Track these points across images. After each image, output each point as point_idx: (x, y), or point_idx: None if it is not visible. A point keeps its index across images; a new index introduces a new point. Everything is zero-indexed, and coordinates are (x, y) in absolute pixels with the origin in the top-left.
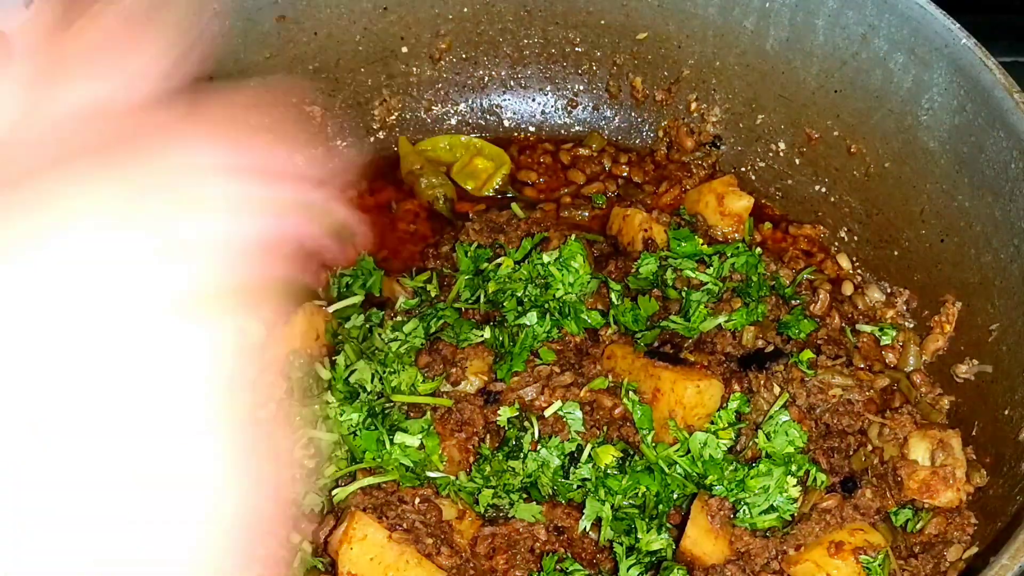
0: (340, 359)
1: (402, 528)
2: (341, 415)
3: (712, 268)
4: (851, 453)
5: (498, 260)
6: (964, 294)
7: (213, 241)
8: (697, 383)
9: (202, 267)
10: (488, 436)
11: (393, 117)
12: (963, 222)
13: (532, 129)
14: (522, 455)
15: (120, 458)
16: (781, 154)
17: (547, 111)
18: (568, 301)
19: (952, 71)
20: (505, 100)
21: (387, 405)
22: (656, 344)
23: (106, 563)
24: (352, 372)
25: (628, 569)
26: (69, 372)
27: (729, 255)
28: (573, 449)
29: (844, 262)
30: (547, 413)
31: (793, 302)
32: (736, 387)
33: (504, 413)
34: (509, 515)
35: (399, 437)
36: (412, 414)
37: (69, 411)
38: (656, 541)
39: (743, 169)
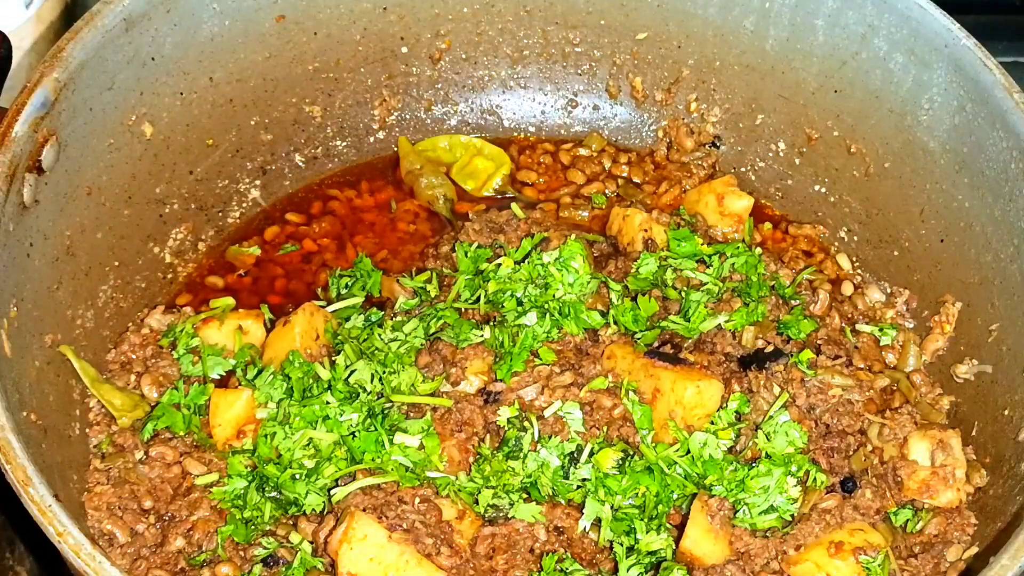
0: (340, 359)
1: (402, 528)
2: (341, 415)
3: (712, 268)
4: (851, 453)
5: (498, 260)
6: (964, 294)
7: None
8: (697, 383)
9: None
10: (488, 436)
11: (393, 117)
12: (963, 222)
13: (532, 129)
14: (522, 455)
15: None
16: (781, 154)
17: (547, 111)
18: (568, 301)
19: (952, 71)
20: (505, 100)
21: (387, 405)
22: (656, 344)
23: None
24: (352, 372)
25: (628, 569)
26: None
27: (729, 255)
28: (573, 449)
29: (844, 262)
30: (547, 413)
31: (793, 302)
32: (736, 387)
33: (504, 413)
34: (509, 515)
35: (399, 437)
36: (412, 414)
37: None
38: (656, 541)
39: (743, 169)
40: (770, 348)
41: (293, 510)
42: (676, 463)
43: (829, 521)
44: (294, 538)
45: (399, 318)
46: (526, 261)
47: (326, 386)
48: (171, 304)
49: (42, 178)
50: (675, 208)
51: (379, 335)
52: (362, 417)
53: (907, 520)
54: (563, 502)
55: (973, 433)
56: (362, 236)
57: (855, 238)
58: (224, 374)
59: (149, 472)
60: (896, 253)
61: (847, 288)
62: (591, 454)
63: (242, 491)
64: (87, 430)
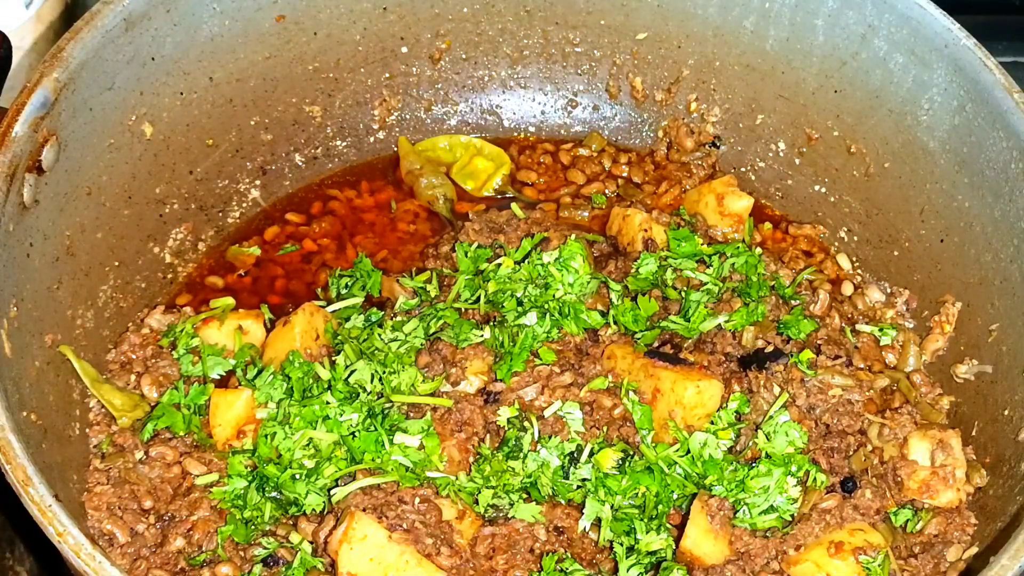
0: (340, 359)
1: (402, 528)
2: (341, 415)
3: (712, 268)
4: (851, 453)
5: (498, 260)
6: (964, 294)
7: None
8: (697, 383)
9: None
10: (488, 436)
11: (393, 117)
12: (963, 222)
13: (532, 129)
14: (522, 455)
15: None
16: (781, 154)
17: (547, 111)
18: (568, 301)
19: (952, 71)
20: (505, 100)
21: (387, 405)
22: (656, 344)
23: None
24: (352, 372)
25: (628, 569)
26: None
27: (729, 255)
28: (573, 449)
29: (844, 262)
30: (547, 413)
31: (793, 302)
32: (736, 387)
33: (504, 413)
34: (509, 515)
35: (399, 437)
36: (412, 414)
37: None
38: (656, 541)
39: (743, 169)
40: (770, 348)
41: (293, 510)
42: (676, 463)
43: (829, 521)
44: (294, 538)
45: (399, 318)
46: (526, 261)
47: (326, 386)
48: (171, 304)
49: (42, 178)
50: (675, 208)
51: (379, 335)
52: (362, 417)
53: (907, 520)
54: (563, 502)
55: (973, 433)
56: (362, 236)
57: (855, 238)
58: (224, 374)
59: (149, 472)
60: (896, 253)
61: (847, 288)
62: (591, 454)
63: (242, 491)
64: (87, 430)
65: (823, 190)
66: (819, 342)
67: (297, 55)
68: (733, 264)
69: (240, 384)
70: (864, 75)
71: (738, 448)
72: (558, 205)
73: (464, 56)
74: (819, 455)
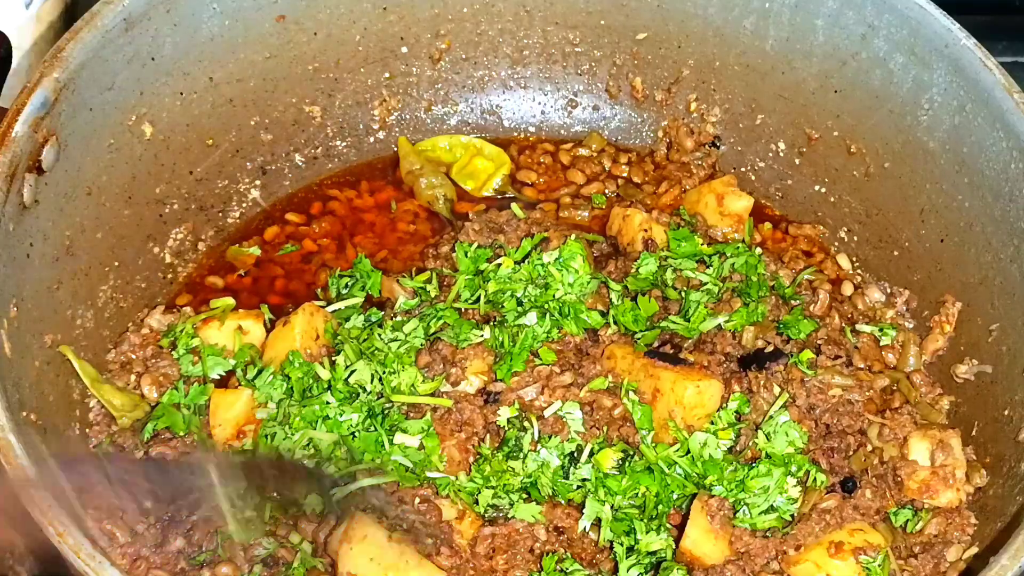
0: (340, 359)
1: (402, 528)
2: (341, 415)
3: (712, 268)
4: (851, 453)
5: (498, 260)
6: (964, 294)
7: None
8: (697, 383)
9: None
10: (488, 436)
11: (393, 117)
12: (963, 222)
13: (532, 129)
14: (522, 455)
15: None
16: (781, 154)
17: (547, 111)
18: (568, 301)
19: (952, 71)
20: (505, 100)
21: (387, 405)
22: (656, 344)
23: None
24: (352, 372)
25: (628, 569)
26: None
27: (729, 255)
28: (573, 449)
29: (844, 262)
30: (547, 413)
31: (793, 302)
32: (736, 387)
33: (504, 413)
34: (509, 515)
35: (399, 437)
36: (412, 414)
37: None
38: (656, 541)
39: (743, 169)
40: (770, 348)
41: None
42: (676, 463)
43: (829, 521)
44: (294, 538)
45: (399, 318)
46: (526, 261)
47: (326, 386)
48: (171, 304)
49: (42, 178)
50: (675, 208)
51: (379, 335)
52: (362, 417)
53: (907, 520)
54: (563, 502)
55: (973, 433)
56: (362, 236)
57: (855, 238)
58: (224, 374)
59: None
60: (896, 253)
61: (847, 288)
62: (591, 454)
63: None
64: (87, 430)
65: (823, 190)
66: (819, 342)
67: (297, 55)
68: (733, 264)
69: (240, 384)
70: (864, 75)
71: (738, 448)
72: (558, 205)
73: (464, 56)
74: (819, 455)
